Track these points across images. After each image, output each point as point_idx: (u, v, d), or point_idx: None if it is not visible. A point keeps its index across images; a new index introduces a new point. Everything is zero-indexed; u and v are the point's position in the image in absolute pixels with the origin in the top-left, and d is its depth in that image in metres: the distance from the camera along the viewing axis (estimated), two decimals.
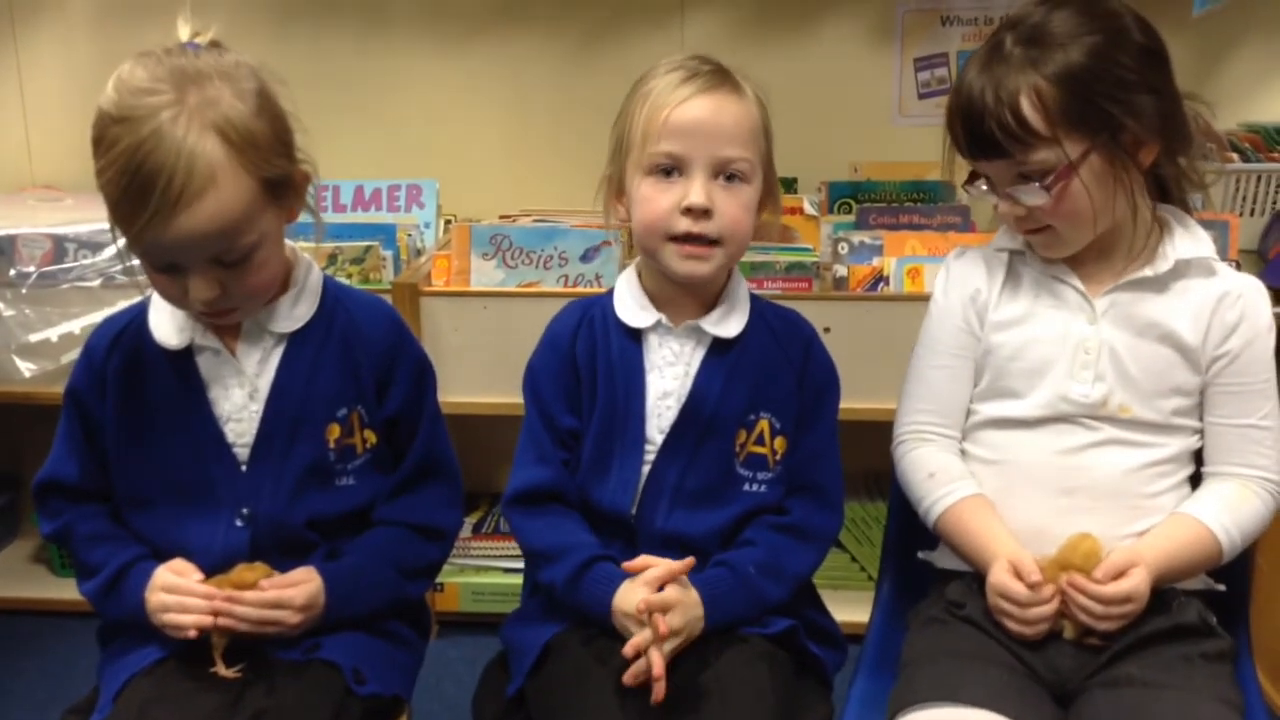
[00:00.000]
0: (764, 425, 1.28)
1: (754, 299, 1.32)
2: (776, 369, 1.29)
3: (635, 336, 1.29)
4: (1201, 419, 1.26)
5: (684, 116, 1.20)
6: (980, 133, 1.19)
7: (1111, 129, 1.18)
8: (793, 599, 1.29)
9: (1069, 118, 1.17)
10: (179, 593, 1.17)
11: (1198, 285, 1.25)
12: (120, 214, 1.08)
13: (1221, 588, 1.27)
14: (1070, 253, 1.26)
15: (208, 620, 1.15)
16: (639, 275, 1.32)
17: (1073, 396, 1.24)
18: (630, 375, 1.28)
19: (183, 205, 1.06)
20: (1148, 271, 1.25)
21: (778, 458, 1.28)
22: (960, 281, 1.33)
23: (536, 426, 1.30)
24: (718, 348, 1.28)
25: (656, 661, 1.13)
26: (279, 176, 1.14)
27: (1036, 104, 1.17)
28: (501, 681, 1.28)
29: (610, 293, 1.33)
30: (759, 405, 1.28)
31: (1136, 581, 1.16)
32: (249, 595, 1.16)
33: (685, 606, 1.18)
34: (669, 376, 1.28)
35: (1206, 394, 1.25)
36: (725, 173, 1.22)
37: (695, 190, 1.21)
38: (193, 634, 1.15)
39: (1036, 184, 1.19)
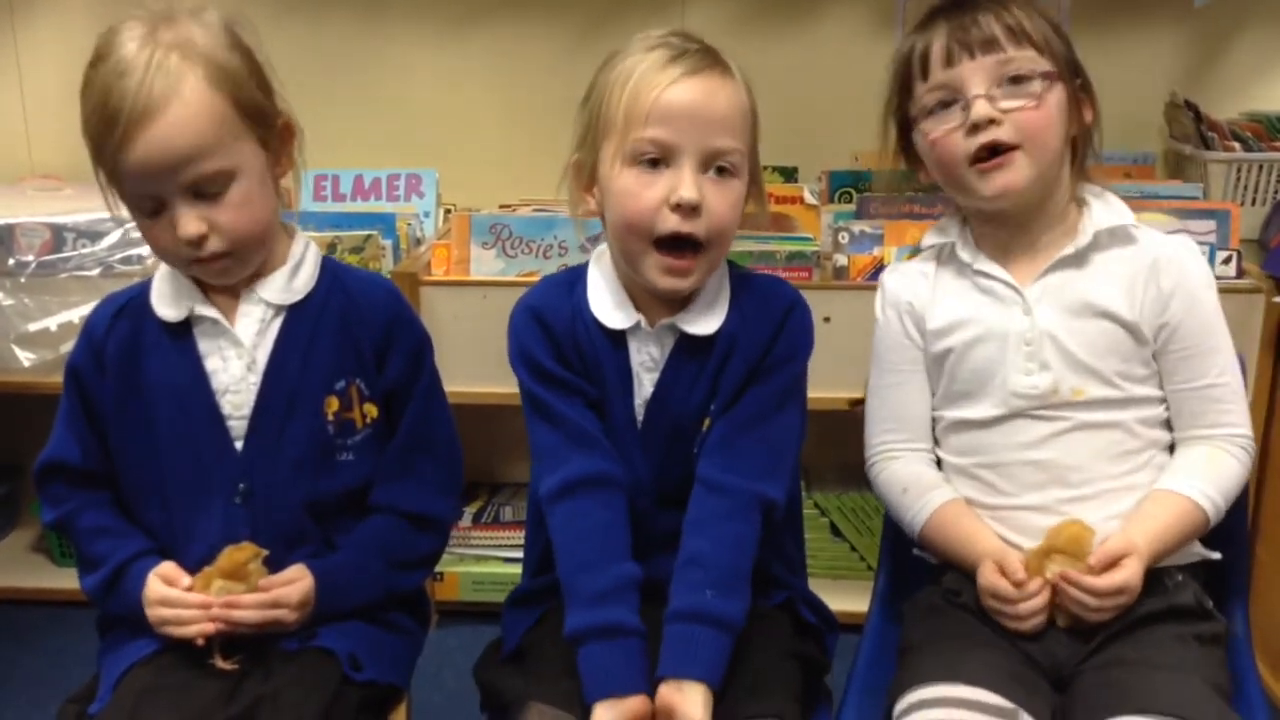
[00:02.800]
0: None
1: (733, 282, 1.25)
2: (736, 358, 1.21)
3: (619, 339, 1.22)
4: (1162, 387, 1.26)
5: (673, 100, 1.12)
6: (974, 30, 1.20)
7: (1073, 69, 1.24)
8: (783, 578, 1.30)
9: (1049, 41, 1.22)
10: (174, 605, 1.17)
11: (1122, 255, 1.25)
12: (99, 144, 1.11)
13: (1216, 555, 1.26)
14: (1020, 193, 1.22)
15: (209, 628, 1.16)
16: (614, 266, 1.23)
17: (1022, 390, 1.24)
18: (624, 382, 1.23)
19: (149, 116, 1.09)
20: (1069, 249, 1.25)
21: (702, 430, 1.23)
22: (894, 296, 1.34)
23: (555, 407, 1.20)
24: (686, 345, 1.22)
25: None
26: (255, 107, 1.16)
27: (1030, 16, 1.21)
28: (500, 651, 1.29)
29: (583, 281, 1.25)
30: (715, 394, 1.22)
31: (1129, 573, 1.16)
32: (246, 599, 1.17)
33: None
34: (646, 383, 1.23)
35: (1160, 363, 1.25)
36: (715, 165, 1.14)
37: (686, 184, 1.12)
38: (200, 643, 1.16)
39: (1023, 85, 1.20)
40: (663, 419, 1.23)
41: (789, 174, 2.30)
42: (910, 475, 1.31)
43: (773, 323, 1.23)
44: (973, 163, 1.22)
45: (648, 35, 1.18)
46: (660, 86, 1.12)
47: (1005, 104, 1.20)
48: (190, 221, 1.13)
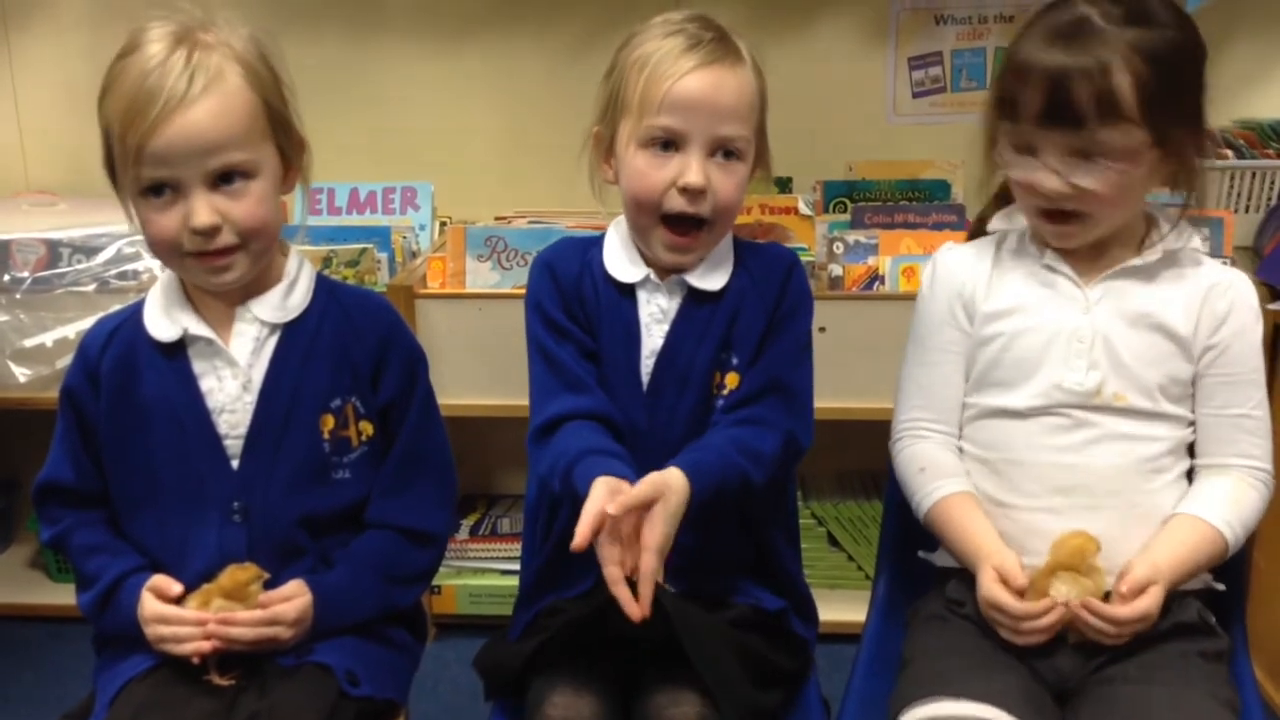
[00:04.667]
0: (734, 363, 1.28)
1: (736, 247, 1.31)
2: (748, 310, 1.28)
3: (628, 292, 1.28)
4: (1193, 410, 1.26)
5: (685, 91, 1.19)
6: (1063, 99, 1.14)
7: (1183, 124, 1.18)
8: (778, 577, 1.31)
9: (1154, 103, 1.14)
10: (170, 622, 1.17)
11: (1187, 275, 1.26)
12: (127, 123, 1.11)
13: (1221, 587, 1.27)
14: (1085, 243, 1.24)
15: (206, 646, 1.16)
16: (628, 229, 1.30)
17: (1067, 385, 1.24)
18: (630, 334, 1.27)
19: (190, 101, 1.11)
20: (1137, 261, 1.25)
21: (724, 391, 1.27)
22: (947, 277, 1.32)
23: (556, 352, 1.26)
24: (695, 299, 1.27)
25: (643, 595, 1.10)
26: (280, 115, 1.19)
27: (1132, 83, 1.13)
28: (503, 641, 1.30)
29: (599, 243, 1.31)
30: (729, 346, 1.27)
31: (1151, 601, 1.15)
32: (243, 616, 1.17)
33: (664, 513, 1.12)
34: (656, 335, 1.28)
35: (1198, 385, 1.25)
36: (722, 150, 1.22)
37: (693, 170, 1.20)
38: (196, 661, 1.16)
39: (1100, 162, 1.15)
40: (671, 371, 1.27)
41: (784, 184, 2.31)
42: (930, 456, 1.30)
43: (777, 280, 1.29)
44: (1040, 214, 1.22)
45: (668, 19, 1.24)
46: (674, 78, 1.19)
47: (1083, 180, 1.16)
48: (204, 211, 1.14)
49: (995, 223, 1.33)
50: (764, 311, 1.28)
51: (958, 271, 1.32)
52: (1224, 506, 1.22)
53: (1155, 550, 1.20)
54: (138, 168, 1.13)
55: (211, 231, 1.15)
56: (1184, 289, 1.25)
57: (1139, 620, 1.16)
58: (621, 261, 1.29)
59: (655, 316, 1.28)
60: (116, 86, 1.13)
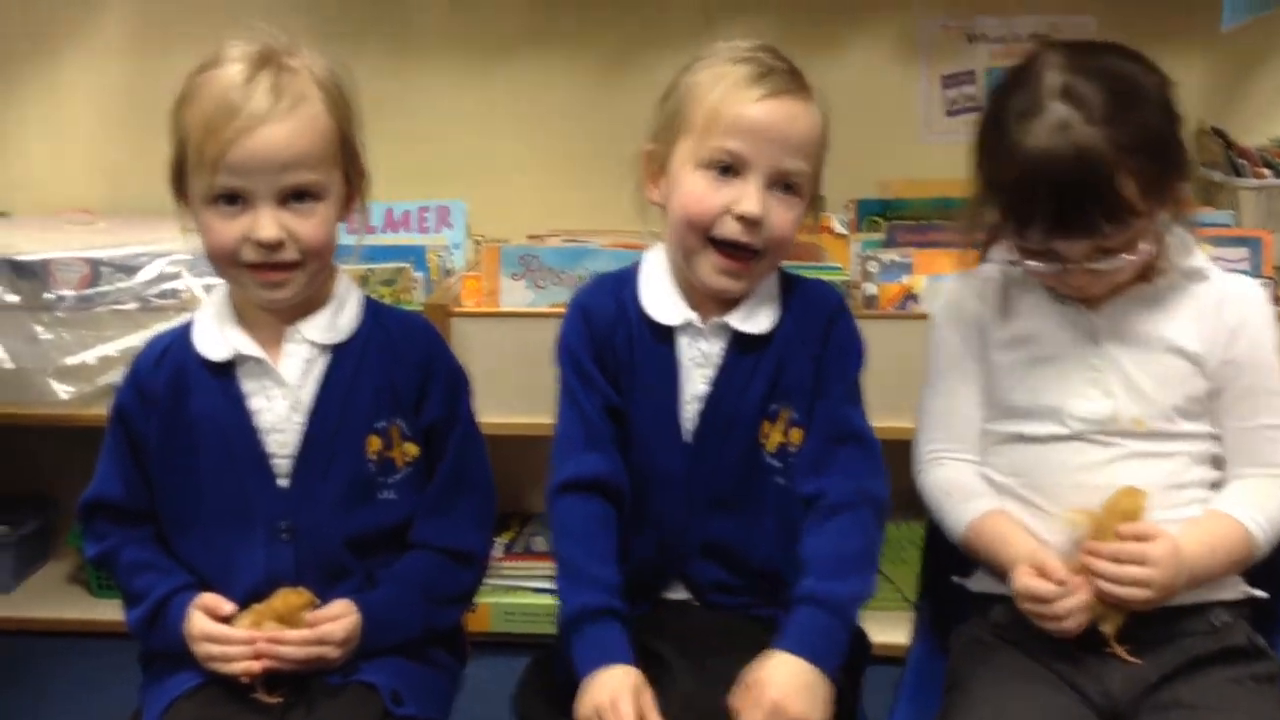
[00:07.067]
0: (785, 415, 1.25)
1: (782, 283, 1.28)
2: (795, 358, 1.25)
3: (667, 336, 1.25)
4: (1215, 424, 1.25)
5: (754, 117, 1.17)
6: (1074, 215, 1.15)
7: (1176, 175, 1.20)
8: None
9: (1154, 188, 1.16)
10: (219, 641, 1.18)
11: (1195, 292, 1.25)
12: (209, 131, 1.14)
13: (1262, 594, 1.25)
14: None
15: (256, 666, 1.16)
16: (670, 262, 1.26)
17: (1082, 414, 1.24)
18: (669, 378, 1.25)
19: (273, 116, 1.15)
20: (1147, 285, 1.25)
21: (792, 450, 1.25)
22: (958, 307, 1.33)
23: (584, 403, 1.24)
24: (740, 344, 1.24)
25: None
26: (351, 144, 1.23)
27: (1135, 182, 1.14)
28: (545, 674, 1.28)
29: (634, 278, 1.28)
30: (779, 396, 1.24)
31: (1158, 548, 1.14)
32: (292, 635, 1.17)
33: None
34: (697, 379, 1.25)
35: (1219, 399, 1.24)
36: (783, 183, 1.20)
37: (750, 198, 1.18)
38: (245, 680, 1.17)
39: (1120, 256, 1.18)
40: (716, 419, 1.24)
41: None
42: (955, 480, 1.30)
43: (820, 326, 1.26)
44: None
45: (735, 45, 1.23)
46: (745, 103, 1.18)
47: (1109, 273, 1.19)
48: (270, 225, 1.16)
49: (996, 252, 1.32)
50: (810, 358, 1.25)
51: (967, 301, 1.32)
52: (1248, 503, 1.21)
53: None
54: (213, 176, 1.15)
55: (274, 246, 1.17)
56: (1194, 306, 1.24)
57: (1138, 560, 1.13)
58: (661, 302, 1.25)
59: (697, 360, 1.25)
60: (199, 97, 1.16)
